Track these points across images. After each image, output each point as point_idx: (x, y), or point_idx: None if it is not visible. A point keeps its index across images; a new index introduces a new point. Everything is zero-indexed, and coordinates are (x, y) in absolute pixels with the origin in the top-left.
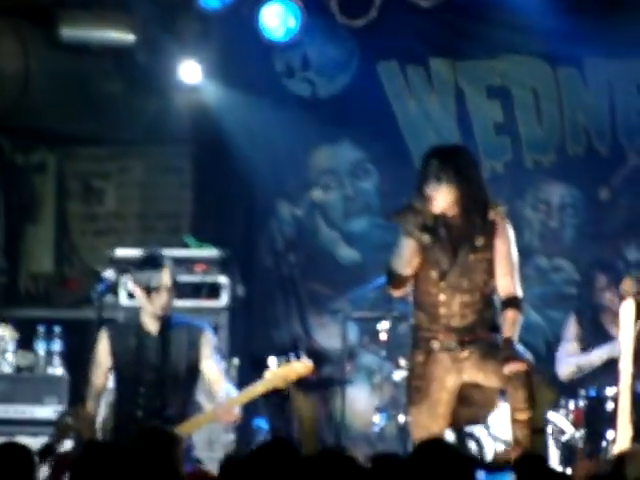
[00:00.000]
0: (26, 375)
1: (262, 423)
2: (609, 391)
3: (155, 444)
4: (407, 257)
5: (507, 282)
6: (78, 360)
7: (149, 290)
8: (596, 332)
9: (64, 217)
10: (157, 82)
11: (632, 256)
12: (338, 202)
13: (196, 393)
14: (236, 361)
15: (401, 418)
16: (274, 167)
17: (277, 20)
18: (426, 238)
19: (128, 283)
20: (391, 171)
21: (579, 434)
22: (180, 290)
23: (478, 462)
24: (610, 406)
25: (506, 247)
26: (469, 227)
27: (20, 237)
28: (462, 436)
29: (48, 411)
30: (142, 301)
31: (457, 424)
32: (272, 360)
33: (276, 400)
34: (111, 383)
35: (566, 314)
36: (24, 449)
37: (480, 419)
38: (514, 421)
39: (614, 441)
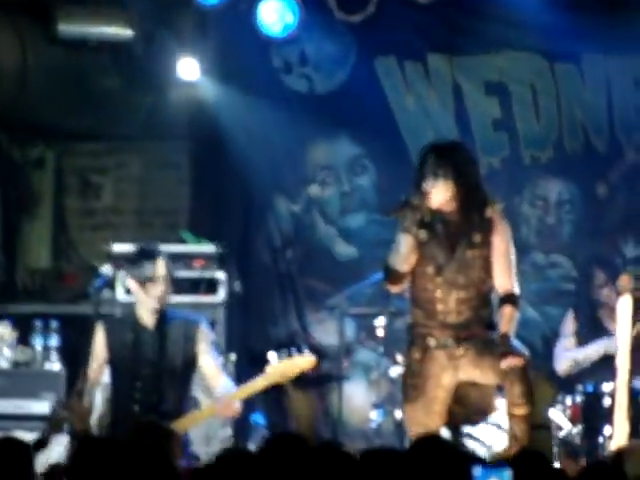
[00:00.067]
0: (23, 370)
1: (259, 418)
2: (606, 387)
3: (151, 439)
4: (404, 253)
5: (504, 280)
6: (75, 355)
7: (144, 281)
8: (594, 328)
9: (62, 212)
10: (155, 78)
11: (629, 252)
12: (335, 198)
13: (193, 388)
14: (233, 356)
15: (398, 414)
16: (271, 163)
17: (275, 16)
18: (423, 234)
19: (125, 278)
20: (388, 167)
21: (576, 430)
22: (178, 285)
23: (474, 458)
24: (607, 402)
25: (504, 244)
26: (466, 223)
27: (18, 232)
28: (458, 435)
29: (45, 406)
30: (138, 294)
31: (453, 423)
32: (273, 355)
33: (274, 395)
34: (107, 378)
35: (563, 310)
36: (21, 444)
37: (477, 419)
38: (511, 416)
39: (611, 437)
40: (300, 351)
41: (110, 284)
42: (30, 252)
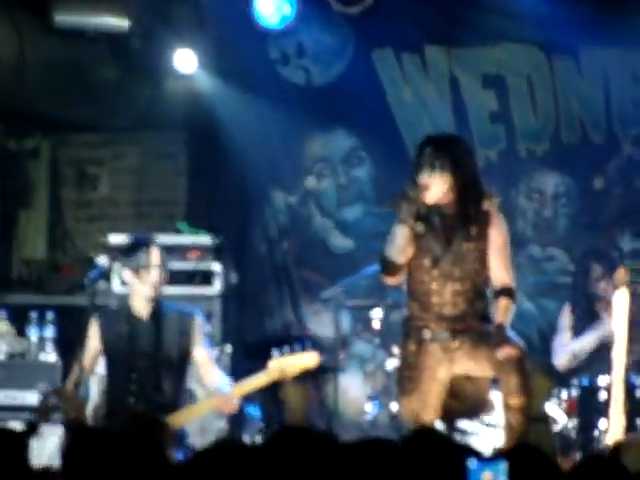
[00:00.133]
0: (18, 361)
1: (254, 410)
2: (602, 380)
3: (144, 430)
4: (401, 245)
5: (501, 272)
6: (71, 346)
7: (138, 270)
8: (590, 322)
9: (58, 203)
10: (152, 69)
11: (626, 246)
12: (332, 190)
13: (188, 380)
14: (229, 348)
15: (393, 406)
16: (268, 155)
17: (272, 7)
18: (420, 226)
19: (120, 270)
20: (385, 159)
21: (572, 424)
22: (173, 277)
23: (469, 451)
24: (603, 396)
25: (500, 238)
26: (463, 216)
27: (13, 223)
28: (453, 429)
29: (52, 400)
30: (133, 283)
31: (448, 418)
32: (275, 350)
33: (269, 387)
34: (102, 369)
35: (559, 303)
36: (15, 435)
37: (472, 413)
38: (507, 407)
39: (607, 431)
40: (303, 348)
41: (106, 275)
42: (26, 243)
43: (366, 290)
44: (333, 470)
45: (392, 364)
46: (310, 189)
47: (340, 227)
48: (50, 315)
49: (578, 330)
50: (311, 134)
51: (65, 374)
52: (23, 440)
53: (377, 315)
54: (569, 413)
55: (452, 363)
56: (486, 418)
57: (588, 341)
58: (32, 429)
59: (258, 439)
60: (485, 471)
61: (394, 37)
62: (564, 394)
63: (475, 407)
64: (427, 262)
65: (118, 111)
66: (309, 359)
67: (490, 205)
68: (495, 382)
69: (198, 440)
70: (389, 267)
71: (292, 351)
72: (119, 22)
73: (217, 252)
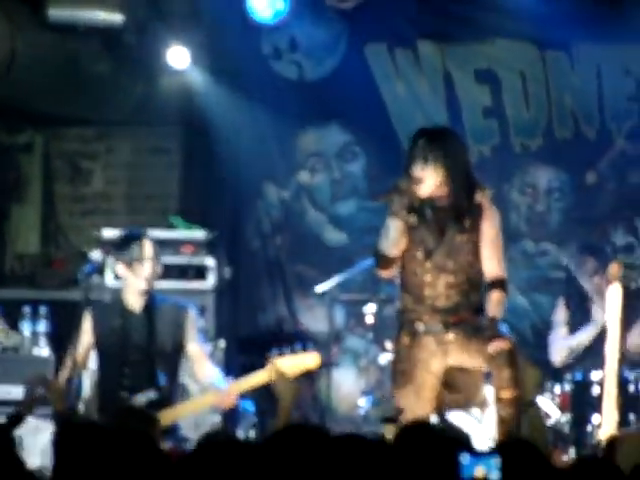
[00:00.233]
0: (11, 356)
1: (249, 405)
2: (595, 375)
3: (132, 424)
4: (394, 238)
5: (493, 265)
6: (64, 341)
7: (131, 263)
8: (585, 316)
9: (51, 198)
10: (145, 63)
11: (619, 240)
12: (325, 185)
13: (181, 375)
14: (222, 343)
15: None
16: (261, 149)
17: (265, 2)
18: (413, 218)
19: (114, 264)
20: (379, 154)
21: (565, 418)
22: (166, 271)
23: (462, 445)
24: (596, 390)
25: (493, 230)
26: (456, 208)
27: (6, 217)
28: (445, 421)
29: (38, 391)
30: (126, 277)
31: (441, 409)
32: (275, 349)
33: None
34: (93, 363)
35: (552, 298)
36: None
37: (464, 405)
38: (498, 400)
39: (600, 426)
40: (304, 348)
41: (99, 270)
42: (19, 238)
43: (360, 285)
44: (325, 464)
45: (385, 359)
46: (303, 184)
47: (334, 222)
48: (43, 310)
49: (573, 325)
50: (304, 129)
51: (58, 368)
52: (8, 432)
53: (370, 310)
54: (562, 408)
55: (446, 355)
56: (478, 412)
57: (585, 336)
58: (17, 420)
59: (252, 434)
60: (478, 466)
61: (387, 32)
62: (557, 389)
63: (468, 398)
64: (420, 254)
65: (111, 105)
66: (310, 360)
67: (483, 197)
68: (488, 376)
69: (192, 434)
70: (383, 260)
71: (293, 351)
72: (112, 17)
73: (210, 247)
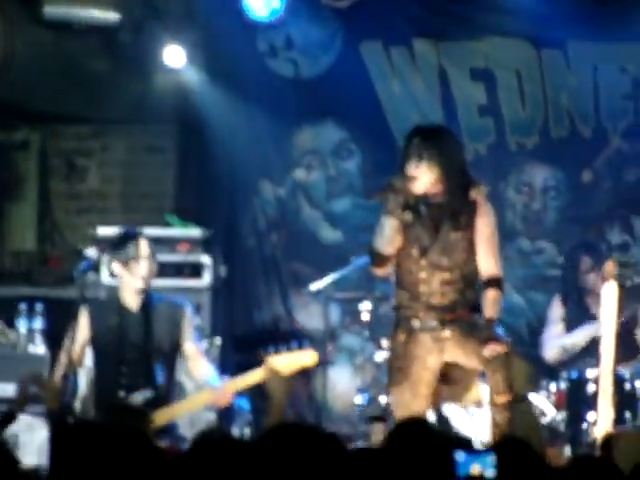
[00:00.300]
0: (7, 353)
1: (244, 403)
2: (590, 373)
3: (125, 421)
4: (389, 236)
5: (488, 262)
6: (60, 338)
7: (127, 262)
8: (581, 314)
9: (47, 195)
10: (141, 62)
11: (615, 239)
12: (321, 182)
13: (177, 373)
14: (218, 341)
15: (383, 399)
16: (257, 147)
17: (261, 0)
18: (408, 215)
19: (109, 262)
20: (374, 152)
21: (560, 416)
22: (162, 269)
23: (458, 443)
24: (591, 388)
25: (488, 227)
26: (451, 206)
27: (2, 215)
28: (441, 414)
29: (30, 389)
30: (123, 276)
31: (437, 404)
32: (271, 347)
33: None
34: (89, 361)
35: (548, 296)
36: None
37: (460, 397)
38: (493, 404)
39: (595, 423)
40: (300, 345)
41: (95, 267)
42: (15, 235)
43: (355, 282)
44: (319, 463)
45: (381, 356)
46: (299, 181)
47: (329, 219)
48: (39, 307)
49: (570, 323)
50: (300, 126)
51: (54, 366)
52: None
53: (366, 307)
54: (558, 406)
55: (442, 352)
56: (473, 410)
57: (581, 336)
58: (9, 418)
59: (247, 431)
60: (473, 463)
61: (383, 30)
62: (553, 387)
63: (461, 392)
64: (415, 252)
65: (107, 103)
66: (307, 358)
67: (478, 194)
68: (484, 374)
69: (187, 431)
70: (378, 259)
71: (289, 349)
72: (108, 15)
73: (206, 244)
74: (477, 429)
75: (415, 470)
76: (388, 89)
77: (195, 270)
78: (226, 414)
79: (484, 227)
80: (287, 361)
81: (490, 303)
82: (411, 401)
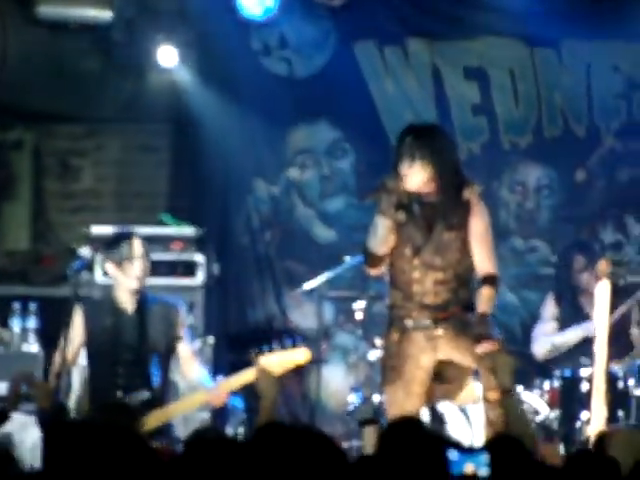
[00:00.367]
0: (1, 352)
1: (238, 402)
2: (584, 372)
3: (114, 419)
4: (382, 236)
5: (484, 261)
6: (54, 337)
7: (121, 262)
8: (575, 313)
9: (40, 194)
10: (134, 61)
11: (608, 238)
12: (315, 181)
13: (172, 372)
14: (211, 340)
15: (376, 398)
16: (251, 146)
17: None
18: (401, 215)
19: (103, 262)
20: (368, 151)
21: (554, 414)
22: (156, 268)
23: (451, 442)
24: (585, 387)
25: (482, 226)
26: (444, 205)
27: None
28: (435, 413)
29: (22, 388)
30: (117, 276)
31: (430, 400)
32: (265, 346)
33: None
34: (83, 360)
35: (542, 295)
36: None
37: (453, 396)
38: (486, 401)
39: (588, 422)
40: (294, 343)
41: (89, 266)
42: (8, 234)
43: (349, 281)
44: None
45: (375, 355)
46: (293, 180)
47: (323, 218)
48: (33, 306)
49: (562, 321)
50: (294, 125)
51: (47, 365)
52: None
53: (360, 306)
54: (551, 404)
55: (435, 351)
56: (469, 409)
57: (572, 336)
58: (2, 417)
59: (241, 431)
60: (466, 462)
61: (376, 29)
62: (546, 385)
63: (455, 390)
64: (408, 251)
65: (101, 103)
66: (300, 355)
67: (471, 194)
68: (477, 372)
69: (181, 430)
70: (371, 259)
71: (282, 347)
72: (102, 14)
73: (200, 243)
74: (472, 428)
75: (408, 469)
76: (382, 88)
77: (189, 269)
78: (220, 413)
79: (478, 226)
80: (280, 359)
81: (484, 299)
82: (404, 400)
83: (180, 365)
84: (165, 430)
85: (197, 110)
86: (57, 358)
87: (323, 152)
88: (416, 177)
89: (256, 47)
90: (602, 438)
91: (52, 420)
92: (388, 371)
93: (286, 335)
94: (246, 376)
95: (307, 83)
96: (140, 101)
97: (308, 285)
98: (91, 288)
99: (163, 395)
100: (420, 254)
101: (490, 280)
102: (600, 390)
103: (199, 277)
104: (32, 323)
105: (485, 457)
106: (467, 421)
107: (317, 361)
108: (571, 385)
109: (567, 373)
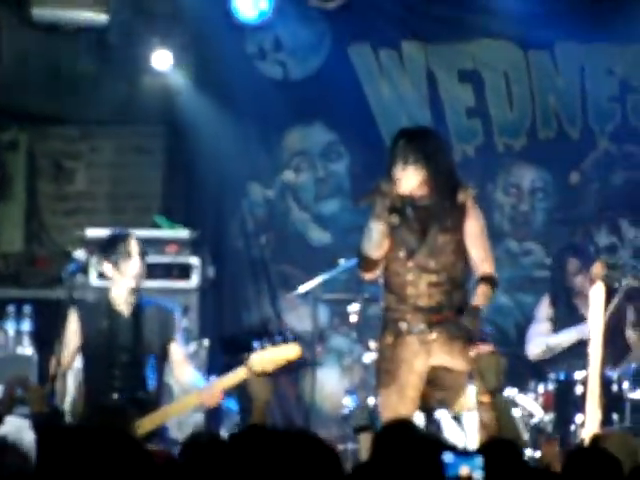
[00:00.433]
0: None
1: (232, 404)
2: (578, 375)
3: (116, 422)
4: (377, 240)
5: (480, 263)
6: (48, 340)
7: (118, 262)
8: (570, 315)
9: (35, 196)
10: (129, 63)
11: (602, 240)
12: (309, 184)
13: (166, 374)
14: (206, 342)
15: (371, 400)
16: (245, 149)
17: (249, 2)
18: (395, 218)
19: (98, 264)
20: (363, 153)
21: (548, 417)
22: (151, 271)
23: (445, 445)
24: (579, 390)
25: (478, 228)
26: (438, 208)
27: None
28: (431, 419)
29: (16, 391)
30: (113, 276)
31: (427, 406)
32: (256, 343)
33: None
34: (78, 363)
35: (536, 297)
36: None
37: (450, 403)
38: (480, 404)
39: (583, 425)
40: (284, 339)
41: (83, 269)
42: (3, 236)
43: (344, 284)
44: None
45: (369, 358)
46: (288, 183)
47: (318, 221)
48: (27, 309)
49: (556, 323)
50: (289, 128)
51: (42, 368)
52: None
53: (354, 309)
54: (546, 407)
55: (429, 355)
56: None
57: (567, 338)
58: None
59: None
60: (461, 465)
61: (371, 32)
62: (541, 388)
63: (452, 397)
64: (402, 254)
65: (95, 105)
66: (290, 351)
67: (466, 197)
68: (472, 376)
69: (175, 433)
70: (366, 262)
71: (273, 343)
72: (97, 16)
73: (194, 246)
74: (465, 435)
75: (403, 472)
76: (377, 91)
77: (183, 271)
78: (214, 415)
79: (474, 228)
80: (271, 356)
81: (480, 294)
82: (398, 404)
83: (173, 368)
84: (160, 433)
85: (192, 113)
86: (53, 361)
87: (318, 155)
88: (409, 180)
89: (251, 50)
90: (596, 441)
91: (47, 424)
92: (382, 375)
93: (277, 333)
94: (238, 375)
95: (302, 86)
96: (135, 103)
97: (303, 288)
98: (86, 291)
99: (158, 398)
100: (414, 257)
101: (489, 279)
102: (594, 393)
103: (194, 280)
104: (26, 326)
105: (480, 460)
106: (461, 429)
107: (312, 364)
108: (565, 388)
109: (561, 376)
